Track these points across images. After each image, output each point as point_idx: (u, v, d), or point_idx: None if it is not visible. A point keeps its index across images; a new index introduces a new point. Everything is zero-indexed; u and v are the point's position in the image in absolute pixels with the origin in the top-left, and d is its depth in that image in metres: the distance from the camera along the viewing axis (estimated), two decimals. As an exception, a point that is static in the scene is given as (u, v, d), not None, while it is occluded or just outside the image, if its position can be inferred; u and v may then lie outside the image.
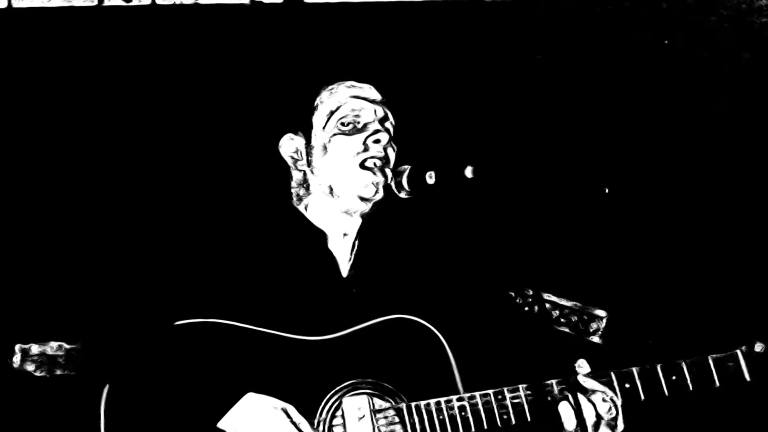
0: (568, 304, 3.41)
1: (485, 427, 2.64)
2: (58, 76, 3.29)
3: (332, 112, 2.89)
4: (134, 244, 3.14)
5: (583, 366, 2.65)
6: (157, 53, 3.31)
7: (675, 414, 2.94)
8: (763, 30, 3.46)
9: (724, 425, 3.21)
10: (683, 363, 2.67)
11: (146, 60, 3.31)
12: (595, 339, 3.40)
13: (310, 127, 2.91)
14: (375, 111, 2.90)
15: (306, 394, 2.65)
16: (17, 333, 3.20)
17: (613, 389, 2.64)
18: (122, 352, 2.69)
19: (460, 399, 2.65)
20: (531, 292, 3.32)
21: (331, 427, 2.64)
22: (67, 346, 3.21)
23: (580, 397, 2.62)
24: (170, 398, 2.63)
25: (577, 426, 2.61)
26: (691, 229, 3.40)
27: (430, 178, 2.78)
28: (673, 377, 2.65)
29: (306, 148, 2.91)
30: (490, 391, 2.65)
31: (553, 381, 2.66)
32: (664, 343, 3.31)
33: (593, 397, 2.62)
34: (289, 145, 2.95)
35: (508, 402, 2.65)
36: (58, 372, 3.21)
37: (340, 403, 2.66)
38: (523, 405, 2.65)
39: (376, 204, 2.86)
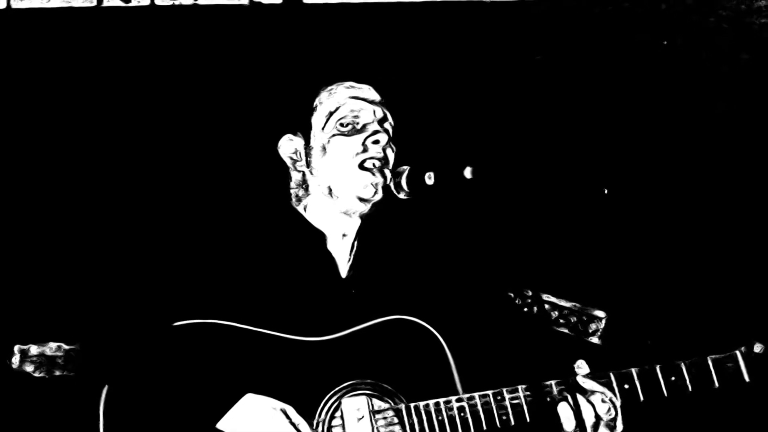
0: (568, 304, 3.41)
1: (484, 427, 2.64)
2: (57, 76, 3.29)
3: (331, 113, 2.89)
4: (133, 244, 3.14)
5: (582, 367, 2.65)
6: (157, 54, 3.31)
7: (674, 415, 2.94)
8: (761, 31, 3.46)
9: (723, 426, 3.21)
10: (682, 364, 2.67)
11: (145, 61, 3.31)
12: (595, 340, 3.40)
13: (309, 127, 2.91)
14: (374, 112, 2.90)
15: (305, 395, 2.65)
16: (16, 334, 3.20)
17: (612, 390, 2.64)
18: (121, 353, 2.69)
19: (459, 400, 2.65)
20: (530, 293, 3.31)
21: (330, 427, 2.64)
22: (66, 347, 3.21)
23: (579, 397, 2.62)
24: (169, 399, 2.63)
25: (576, 427, 2.61)
26: (691, 229, 3.40)
27: (429, 178, 2.78)
28: (673, 378, 2.65)
29: (305, 148, 2.91)
30: (489, 392, 2.65)
31: (552, 382, 2.66)
32: (663, 343, 3.31)
33: (592, 398, 2.62)
34: (288, 145, 2.95)
35: (507, 403, 2.65)
36: (57, 373, 3.20)
37: (339, 403, 2.66)
38: (522, 406, 2.65)
39: (375, 205, 2.86)
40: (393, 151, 2.89)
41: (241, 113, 3.32)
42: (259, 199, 3.03)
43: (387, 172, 2.84)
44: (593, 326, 3.40)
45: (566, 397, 2.63)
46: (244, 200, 3.13)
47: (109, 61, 3.30)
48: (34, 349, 3.21)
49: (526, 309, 3.35)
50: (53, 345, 3.21)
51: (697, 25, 3.46)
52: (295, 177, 2.94)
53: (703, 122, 3.45)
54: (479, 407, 2.64)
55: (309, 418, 2.64)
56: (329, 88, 2.93)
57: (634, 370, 2.66)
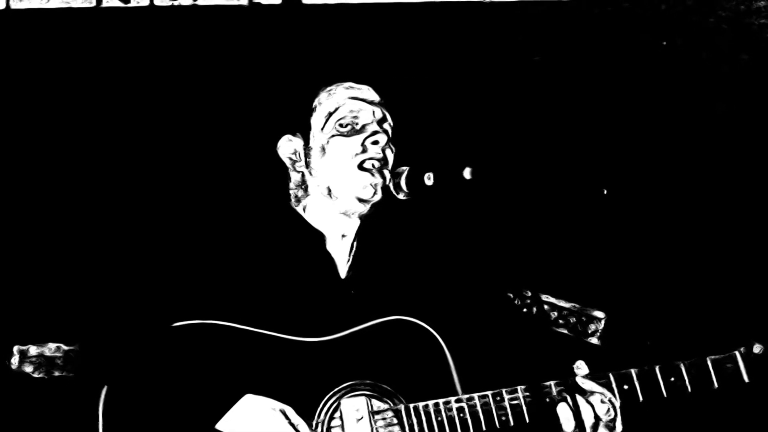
0: (567, 305, 3.40)
1: (484, 428, 2.64)
2: (56, 77, 3.29)
3: (330, 114, 2.89)
4: (132, 245, 3.14)
5: (581, 367, 2.65)
6: (156, 54, 3.31)
7: (673, 415, 2.93)
8: (761, 31, 3.46)
9: (722, 427, 3.20)
10: (682, 364, 2.66)
11: (144, 61, 3.31)
12: (594, 340, 3.40)
13: (309, 128, 2.91)
14: (373, 112, 2.90)
15: (304, 396, 2.65)
16: (15, 334, 3.20)
17: (611, 390, 2.64)
18: (120, 354, 2.69)
19: (458, 400, 2.65)
20: (529, 294, 3.31)
21: (329, 428, 2.64)
22: (66, 348, 3.21)
23: (579, 398, 2.61)
24: (168, 400, 2.63)
25: (575, 427, 2.61)
26: (690, 230, 3.40)
27: (429, 179, 2.78)
28: (672, 378, 2.65)
29: (304, 149, 2.91)
30: (489, 393, 2.65)
31: (552, 382, 2.66)
32: (663, 344, 3.31)
33: (592, 399, 2.62)
34: (288, 146, 2.95)
35: (506, 403, 2.65)
36: (57, 373, 3.20)
37: (339, 404, 2.66)
38: (521, 406, 2.65)
39: (374, 205, 2.86)
40: (392, 151, 2.89)
41: (241, 114, 3.32)
42: (259, 199, 3.03)
43: (386, 172, 2.84)
44: (592, 327, 3.39)
45: (565, 397, 2.63)
46: (244, 201, 3.13)
47: (108, 62, 3.30)
48: (33, 350, 3.20)
49: (525, 309, 3.35)
50: (52, 345, 3.21)
51: (696, 25, 3.46)
52: (295, 177, 2.94)
53: (702, 123, 3.44)
54: (478, 408, 2.64)
55: (308, 418, 2.64)
56: (328, 88, 2.93)
57: (633, 371, 2.66)
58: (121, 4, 3.30)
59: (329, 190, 2.86)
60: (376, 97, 2.93)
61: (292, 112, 2.95)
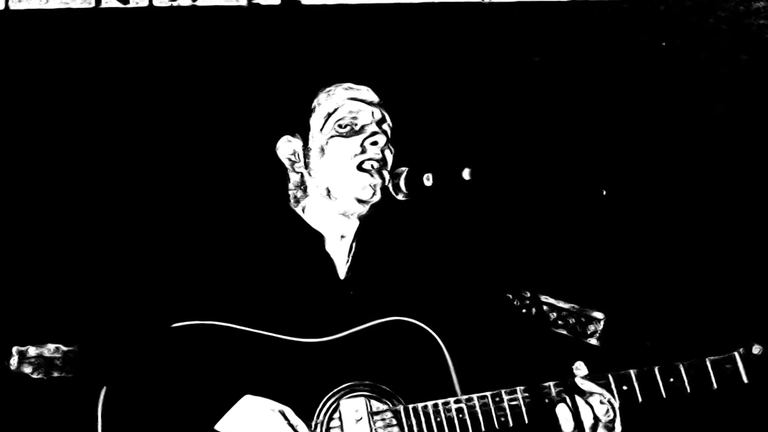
0: (566, 306, 3.40)
1: (483, 429, 2.64)
2: (55, 78, 3.29)
3: (329, 114, 2.89)
4: (131, 246, 3.14)
5: (580, 368, 2.65)
6: (155, 55, 3.31)
7: (672, 416, 2.93)
8: (760, 32, 3.46)
9: (722, 427, 3.20)
10: (681, 365, 2.66)
11: (144, 62, 3.31)
12: (593, 341, 3.40)
13: (308, 129, 2.91)
14: (372, 113, 2.90)
15: (303, 397, 2.65)
16: (14, 335, 3.19)
17: (610, 391, 2.64)
18: (120, 355, 2.69)
19: (457, 401, 2.65)
20: (528, 294, 3.31)
21: (328, 429, 2.64)
22: (65, 349, 3.21)
23: (578, 399, 2.61)
24: (167, 401, 2.63)
25: (574, 428, 2.61)
26: (689, 231, 3.40)
27: (428, 180, 2.78)
28: (671, 379, 2.65)
29: (303, 150, 2.91)
30: (488, 394, 2.65)
31: (551, 383, 2.66)
32: (662, 345, 3.31)
33: (591, 400, 2.62)
34: (287, 147, 2.95)
35: (505, 404, 2.65)
36: (56, 374, 3.20)
37: (338, 405, 2.65)
38: (520, 407, 2.65)
39: (373, 206, 2.86)
40: (391, 152, 2.89)
41: (240, 114, 3.32)
42: (258, 200, 3.03)
43: (385, 173, 2.84)
44: (592, 328, 3.39)
45: (565, 398, 2.63)
46: (243, 201, 3.13)
47: (107, 63, 3.30)
48: (32, 351, 3.20)
49: (524, 310, 3.35)
50: (51, 346, 3.21)
51: (695, 26, 3.46)
52: (294, 178, 2.94)
53: (701, 123, 3.44)
54: (477, 409, 2.64)
55: (307, 419, 2.63)
56: (327, 89, 2.93)
57: (632, 372, 2.66)
58: (120, 5, 3.30)
59: (328, 191, 2.86)
60: (375, 98, 2.93)
61: (291, 112, 2.95)
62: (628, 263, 3.38)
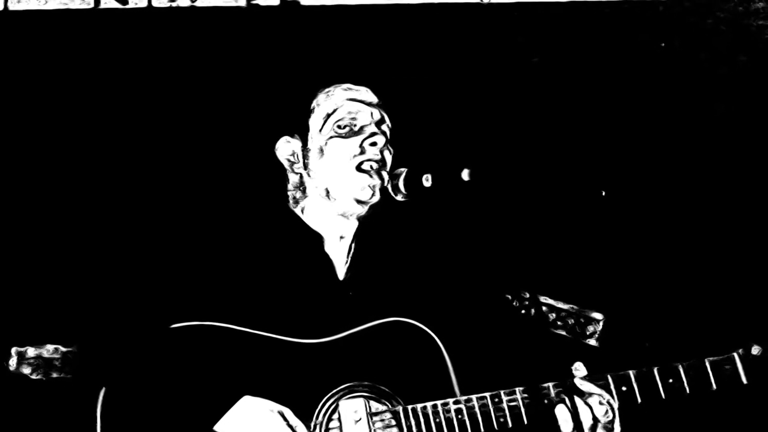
0: (565, 307, 3.40)
1: (482, 430, 2.64)
2: (54, 78, 3.29)
3: (329, 115, 2.89)
4: (131, 246, 3.14)
5: (579, 369, 2.65)
6: (154, 56, 3.31)
7: (672, 417, 2.93)
8: (759, 32, 3.46)
9: (721, 428, 3.20)
10: (680, 366, 2.66)
11: (143, 63, 3.31)
12: (592, 342, 3.40)
13: (307, 129, 2.91)
14: (371, 114, 2.90)
15: (303, 397, 2.65)
16: (13, 336, 3.19)
17: (609, 392, 2.64)
18: (119, 355, 2.69)
19: (456, 402, 2.65)
20: (527, 295, 3.31)
21: (327, 430, 2.64)
22: (64, 349, 3.21)
23: (577, 400, 2.61)
24: (167, 401, 2.63)
25: (573, 429, 2.61)
26: (689, 231, 3.40)
27: (427, 180, 2.78)
28: (670, 380, 2.65)
29: (302, 150, 2.91)
30: (487, 394, 2.65)
31: (550, 384, 2.66)
32: (661, 345, 3.31)
33: (590, 400, 2.61)
34: (286, 147, 2.95)
35: (504, 405, 2.65)
36: (55, 375, 3.20)
37: (337, 406, 2.65)
38: (519, 408, 2.65)
39: (372, 207, 2.86)
40: (390, 153, 2.89)
41: (239, 115, 3.32)
42: (257, 201, 3.03)
43: (384, 174, 2.84)
44: (591, 328, 3.39)
45: (564, 399, 2.63)
46: (242, 202, 3.13)
47: (106, 63, 3.30)
48: (31, 351, 3.20)
49: (523, 311, 3.35)
50: (50, 347, 3.21)
51: (695, 26, 3.46)
52: (293, 179, 2.94)
53: (701, 124, 3.44)
54: (477, 410, 2.64)
55: (306, 420, 2.63)
56: (327, 90, 2.93)
57: (631, 372, 2.66)
58: (119, 6, 3.30)
59: (327, 192, 2.86)
60: (374, 99, 2.93)
61: (291, 113, 2.95)
62: (627, 264, 3.39)
